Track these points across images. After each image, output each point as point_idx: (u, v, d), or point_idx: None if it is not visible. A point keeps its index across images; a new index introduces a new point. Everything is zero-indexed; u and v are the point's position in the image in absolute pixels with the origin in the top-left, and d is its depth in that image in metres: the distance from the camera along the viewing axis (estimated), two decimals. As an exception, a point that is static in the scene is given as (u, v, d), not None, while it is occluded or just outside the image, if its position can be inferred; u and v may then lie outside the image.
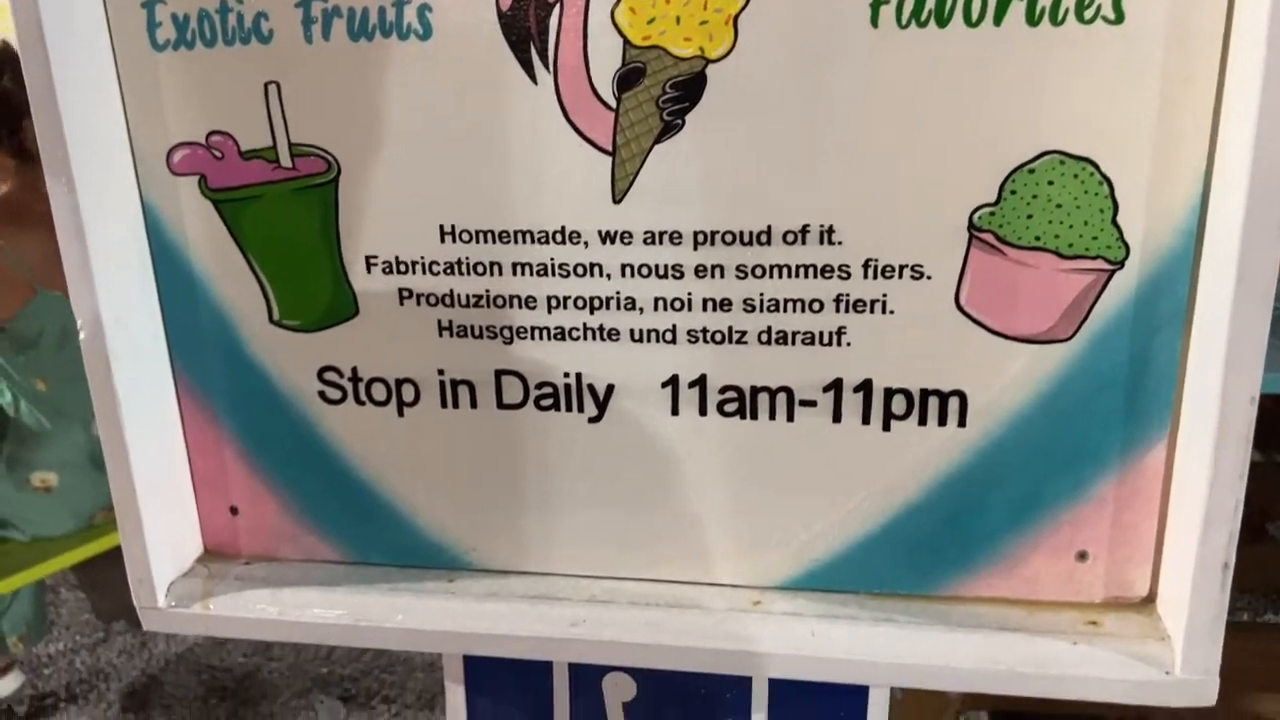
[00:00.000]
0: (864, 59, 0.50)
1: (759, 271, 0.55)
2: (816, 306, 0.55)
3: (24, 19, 0.53)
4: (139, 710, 2.01)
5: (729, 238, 0.55)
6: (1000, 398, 0.55)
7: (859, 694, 0.65)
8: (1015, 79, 0.50)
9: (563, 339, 0.59)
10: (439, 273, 0.59)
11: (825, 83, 0.51)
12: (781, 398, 0.58)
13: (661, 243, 0.56)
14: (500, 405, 0.61)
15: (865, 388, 0.57)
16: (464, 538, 0.65)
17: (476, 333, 0.60)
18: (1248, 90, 0.46)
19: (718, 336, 0.57)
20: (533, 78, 0.54)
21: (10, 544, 1.85)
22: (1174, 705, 0.54)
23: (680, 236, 0.55)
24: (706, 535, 0.62)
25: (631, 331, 0.58)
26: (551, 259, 0.57)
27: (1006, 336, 0.54)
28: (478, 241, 0.58)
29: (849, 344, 0.56)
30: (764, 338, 0.57)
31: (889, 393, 0.57)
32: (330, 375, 0.63)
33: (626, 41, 0.52)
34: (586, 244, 0.57)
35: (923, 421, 0.57)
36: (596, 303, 0.58)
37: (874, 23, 0.50)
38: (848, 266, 0.54)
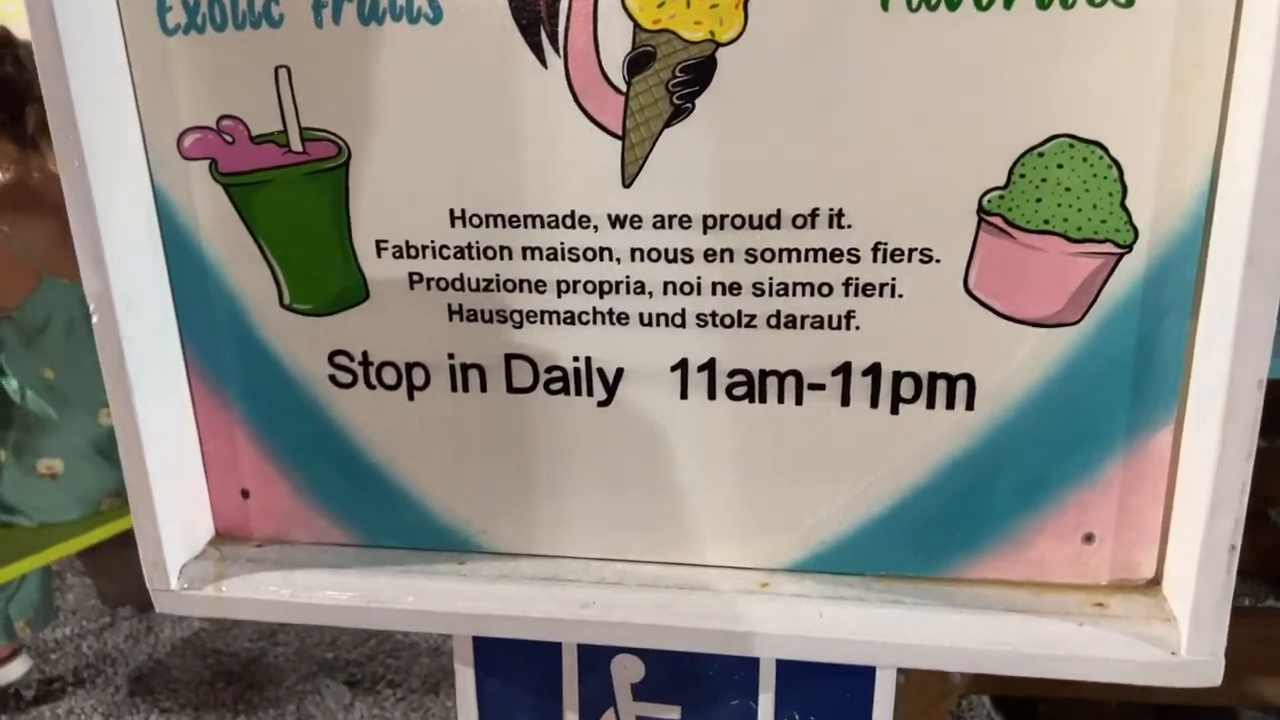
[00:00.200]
0: (874, 42, 0.51)
1: (768, 255, 0.56)
2: (825, 290, 0.56)
3: (36, 3, 0.53)
4: (145, 694, 2.02)
5: (738, 221, 0.55)
6: (1008, 381, 0.56)
7: (866, 675, 0.65)
8: (1025, 62, 0.50)
9: (572, 323, 0.59)
10: (449, 257, 0.59)
11: (835, 66, 0.51)
12: (790, 381, 0.58)
13: (671, 227, 0.56)
14: (510, 389, 0.62)
15: (874, 371, 0.57)
16: (475, 520, 0.65)
17: (486, 317, 0.60)
18: (1258, 74, 0.46)
19: (727, 320, 0.57)
20: (543, 61, 0.54)
21: (17, 530, 1.86)
22: (1180, 686, 0.54)
23: (690, 220, 0.56)
24: (715, 518, 0.62)
25: (641, 315, 0.58)
26: (561, 243, 0.58)
27: (1015, 320, 0.55)
28: (488, 226, 0.58)
29: (858, 327, 0.56)
30: (773, 321, 0.57)
31: (897, 376, 0.57)
32: (341, 359, 0.63)
33: (636, 25, 0.52)
34: (596, 228, 0.57)
35: (931, 405, 0.57)
36: (606, 287, 0.58)
37: (884, 6, 0.50)
38: (857, 250, 0.55)
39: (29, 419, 1.82)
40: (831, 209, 0.54)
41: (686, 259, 0.56)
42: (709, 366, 0.59)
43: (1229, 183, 0.49)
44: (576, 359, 0.60)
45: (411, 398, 0.63)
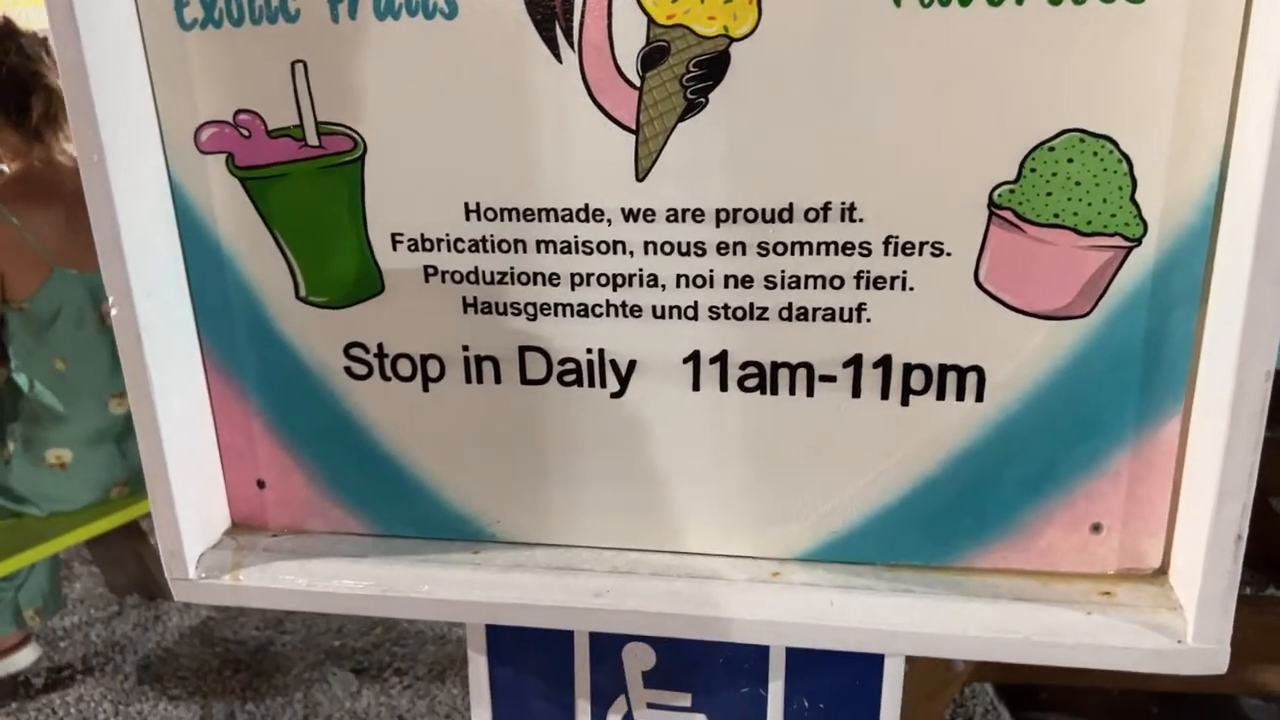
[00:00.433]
0: (887, 37, 0.51)
1: (780, 248, 0.56)
2: (837, 283, 0.56)
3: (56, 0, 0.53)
4: (154, 682, 2.04)
5: (751, 215, 0.56)
6: (1018, 373, 0.56)
7: (875, 663, 0.66)
8: (1036, 57, 0.50)
9: (586, 315, 0.60)
10: (464, 250, 0.60)
11: (848, 61, 0.52)
12: (802, 373, 0.59)
13: (684, 220, 0.57)
14: (524, 381, 0.62)
15: (885, 363, 0.58)
16: (489, 510, 0.66)
17: (501, 309, 0.61)
18: (1267, 69, 0.46)
19: (739, 313, 0.58)
20: (557, 56, 0.54)
21: (27, 519, 1.87)
22: (1185, 673, 0.55)
23: (703, 214, 0.56)
24: (726, 508, 0.63)
25: (654, 308, 0.59)
26: (575, 236, 0.58)
27: (1025, 313, 0.55)
28: (502, 219, 0.59)
29: (869, 320, 0.57)
30: (785, 314, 0.58)
31: (908, 368, 0.58)
32: (356, 351, 0.64)
33: (651, 20, 0.53)
34: (610, 221, 0.57)
35: (941, 396, 0.58)
36: (619, 280, 0.59)
37: (897, 2, 0.50)
38: (868, 243, 0.55)
39: (38, 410, 1.83)
40: (843, 202, 0.55)
41: (699, 252, 0.57)
42: (721, 358, 0.60)
43: (1238, 176, 0.50)
44: (590, 351, 0.61)
45: (426, 389, 0.64)
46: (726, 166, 0.55)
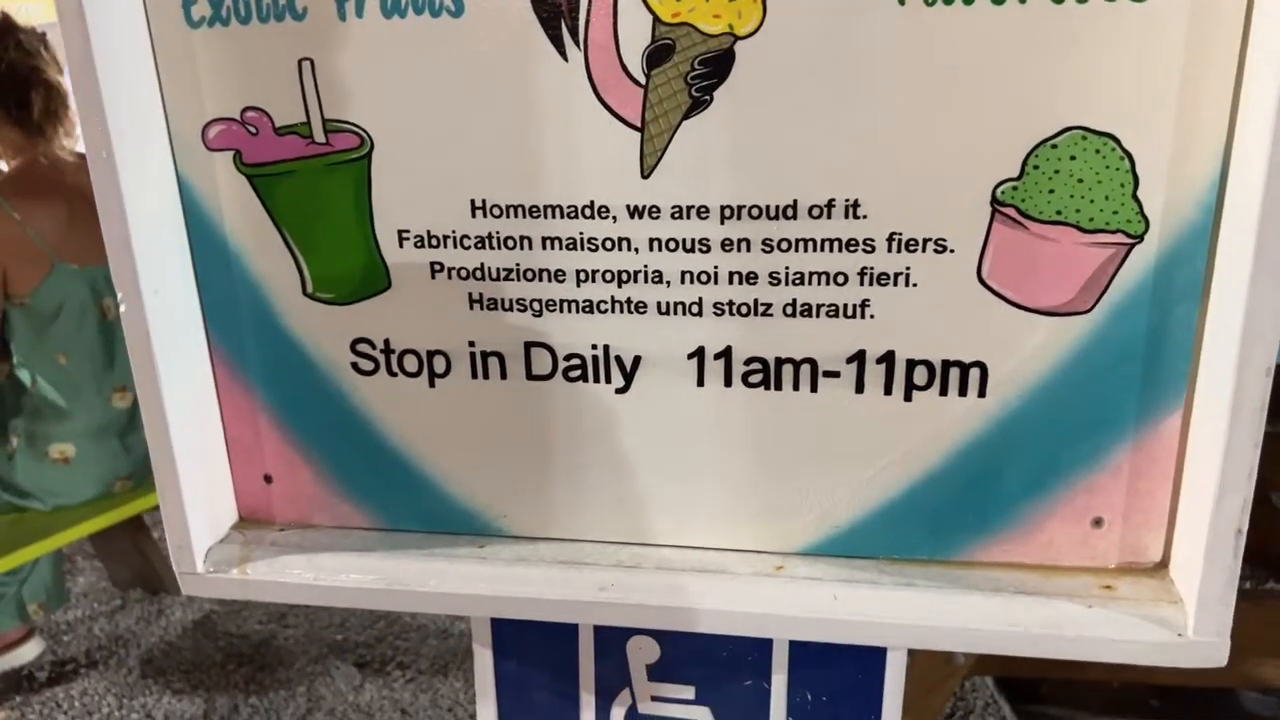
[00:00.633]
0: (891, 35, 0.51)
1: (785, 245, 0.57)
2: (841, 279, 0.57)
3: (65, -2, 0.54)
4: (157, 676, 2.05)
5: (755, 212, 0.56)
6: (1020, 369, 0.57)
7: (877, 656, 0.67)
8: (1039, 55, 0.51)
9: (591, 312, 0.60)
10: (470, 247, 0.60)
11: (852, 59, 0.52)
12: (805, 369, 0.59)
13: (689, 217, 0.57)
14: (530, 376, 0.63)
15: (888, 359, 0.58)
16: (494, 505, 0.66)
17: (507, 305, 0.61)
18: (1268, 68, 0.47)
19: (743, 309, 0.58)
20: (563, 54, 0.55)
21: (31, 514, 1.88)
22: (1186, 666, 0.56)
23: (707, 211, 0.57)
24: (730, 502, 0.63)
25: (658, 304, 0.59)
26: (581, 233, 0.58)
27: (1027, 309, 0.56)
28: (508, 216, 0.59)
29: (872, 316, 0.57)
30: (789, 310, 0.58)
31: (911, 364, 0.58)
32: (363, 347, 0.64)
33: (656, 18, 0.53)
34: (615, 218, 0.58)
35: (944, 392, 0.58)
36: (624, 276, 0.59)
37: (901, 0, 0.51)
38: (872, 240, 0.56)
39: (40, 405, 1.83)
40: (847, 200, 0.55)
41: (704, 249, 0.57)
42: (725, 354, 0.60)
43: (1239, 173, 0.50)
44: (595, 347, 0.61)
45: (432, 385, 0.64)
46: (731, 164, 0.55)
